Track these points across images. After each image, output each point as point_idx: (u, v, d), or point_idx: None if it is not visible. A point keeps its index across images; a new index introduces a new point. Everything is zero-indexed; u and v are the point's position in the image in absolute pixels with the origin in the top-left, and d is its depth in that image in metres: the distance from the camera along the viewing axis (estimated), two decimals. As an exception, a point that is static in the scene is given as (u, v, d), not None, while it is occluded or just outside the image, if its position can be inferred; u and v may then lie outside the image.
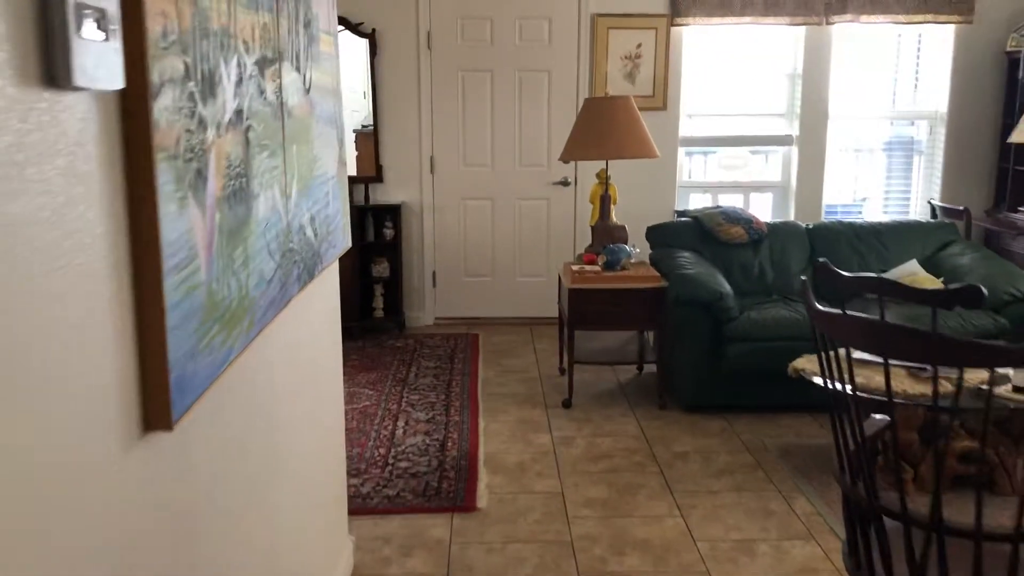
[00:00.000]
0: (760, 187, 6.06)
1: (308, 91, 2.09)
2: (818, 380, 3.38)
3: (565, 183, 5.87)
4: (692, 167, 6.08)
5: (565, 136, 5.75)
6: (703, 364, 4.17)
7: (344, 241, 2.55)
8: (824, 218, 5.96)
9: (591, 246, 4.62)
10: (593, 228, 4.63)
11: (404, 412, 4.23)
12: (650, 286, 4.20)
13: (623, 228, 4.59)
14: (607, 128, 4.34)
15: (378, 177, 5.81)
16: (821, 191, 5.92)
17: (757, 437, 3.94)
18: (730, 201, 6.02)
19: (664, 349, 4.29)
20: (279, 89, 1.82)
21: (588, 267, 4.36)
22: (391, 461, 3.65)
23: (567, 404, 4.32)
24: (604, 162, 4.54)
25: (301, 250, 2.00)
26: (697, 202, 6.01)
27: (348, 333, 5.59)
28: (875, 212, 6.15)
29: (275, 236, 1.76)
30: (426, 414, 4.20)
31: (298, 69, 2.00)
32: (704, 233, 4.77)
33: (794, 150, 5.93)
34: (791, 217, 5.96)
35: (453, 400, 4.40)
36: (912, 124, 6.15)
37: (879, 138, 6.11)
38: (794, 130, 5.90)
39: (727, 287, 4.18)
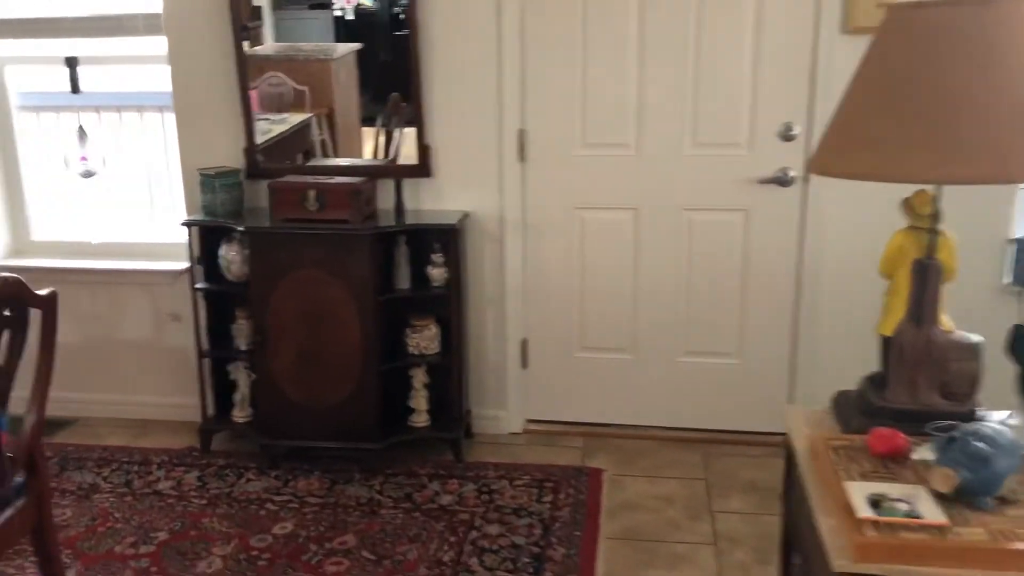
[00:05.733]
0: None
1: None
2: None
3: (783, 180, 3.00)
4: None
5: (791, 90, 2.88)
6: None
7: None
8: None
9: (882, 391, 1.78)
10: (891, 343, 1.76)
11: None
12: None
13: (972, 351, 1.71)
14: (963, 91, 1.46)
15: (422, 169, 3.13)
16: None
17: None
18: None
19: None
20: None
21: (891, 491, 1.53)
22: None
23: None
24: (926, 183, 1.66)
25: None
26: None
27: (368, 467, 3.02)
28: None
29: None
30: None
31: None
32: None
33: None
34: None
35: None
36: None
37: None
38: None
39: None
